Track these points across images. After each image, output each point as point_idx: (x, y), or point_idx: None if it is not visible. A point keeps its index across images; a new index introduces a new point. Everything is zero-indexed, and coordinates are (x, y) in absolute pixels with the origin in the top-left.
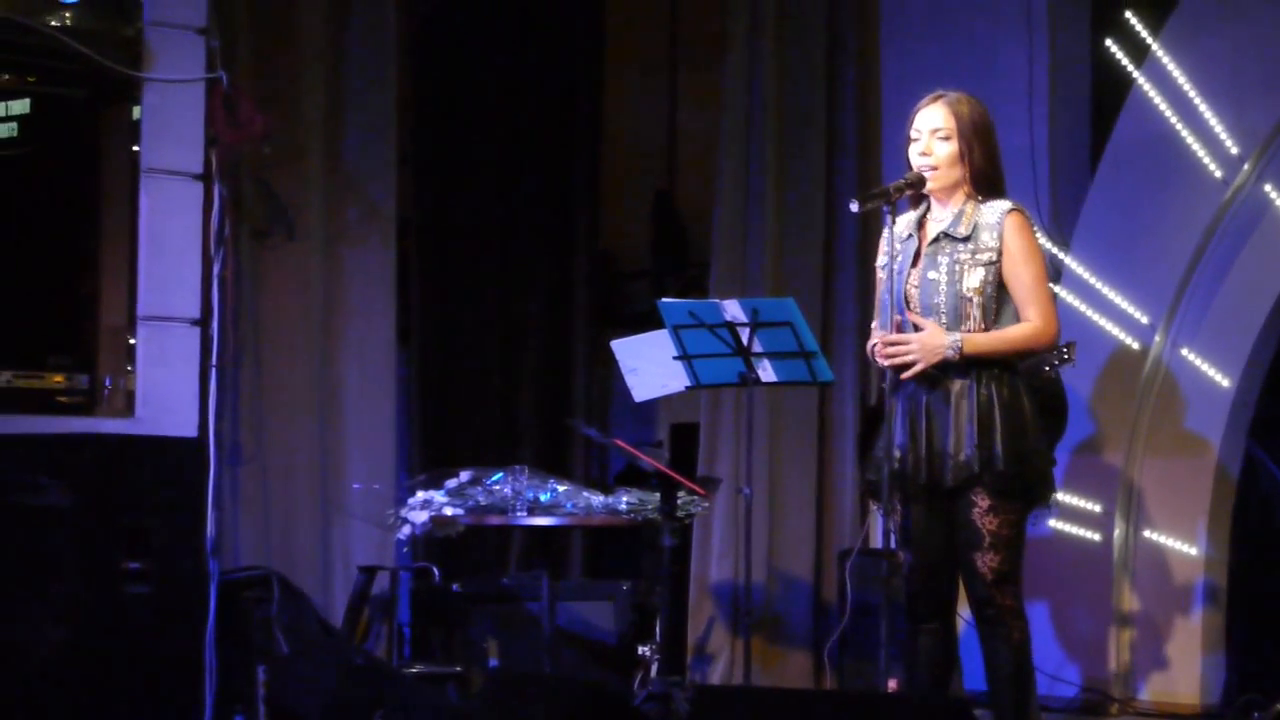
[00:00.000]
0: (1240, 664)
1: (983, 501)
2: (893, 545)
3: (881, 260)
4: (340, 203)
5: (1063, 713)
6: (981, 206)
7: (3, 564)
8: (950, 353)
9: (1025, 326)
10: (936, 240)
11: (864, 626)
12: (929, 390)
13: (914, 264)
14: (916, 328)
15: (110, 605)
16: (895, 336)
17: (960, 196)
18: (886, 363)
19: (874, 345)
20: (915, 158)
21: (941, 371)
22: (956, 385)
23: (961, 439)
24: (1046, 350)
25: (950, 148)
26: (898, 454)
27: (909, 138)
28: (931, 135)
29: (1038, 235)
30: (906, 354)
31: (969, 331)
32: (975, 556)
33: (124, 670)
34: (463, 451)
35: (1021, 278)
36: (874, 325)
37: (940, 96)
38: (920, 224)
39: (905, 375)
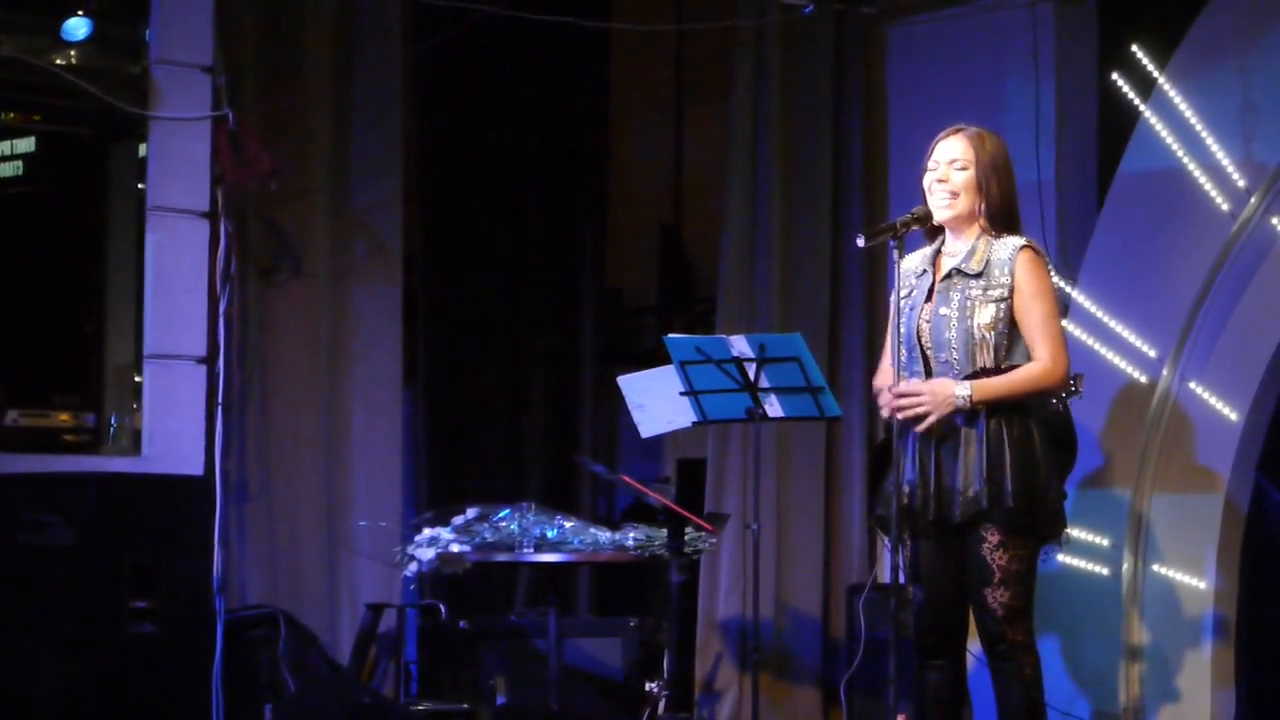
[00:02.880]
0: (1251, 697)
1: (993, 537)
2: (902, 580)
3: (894, 296)
4: (346, 239)
5: None
6: (994, 243)
7: (7, 603)
8: (961, 401)
9: (1035, 367)
10: (949, 276)
11: (874, 662)
12: (939, 425)
13: (928, 299)
14: (927, 362)
15: (116, 644)
16: (906, 388)
17: (974, 230)
18: (900, 416)
19: (881, 393)
20: (932, 185)
21: (951, 409)
22: (966, 421)
23: (970, 475)
24: (1057, 389)
25: (967, 176)
26: (907, 489)
27: (925, 168)
28: (949, 166)
29: (1051, 272)
30: (919, 407)
31: (981, 367)
32: (986, 592)
33: (129, 710)
34: (469, 488)
35: (1033, 315)
36: (883, 359)
37: (960, 130)
38: (935, 259)
39: (919, 429)
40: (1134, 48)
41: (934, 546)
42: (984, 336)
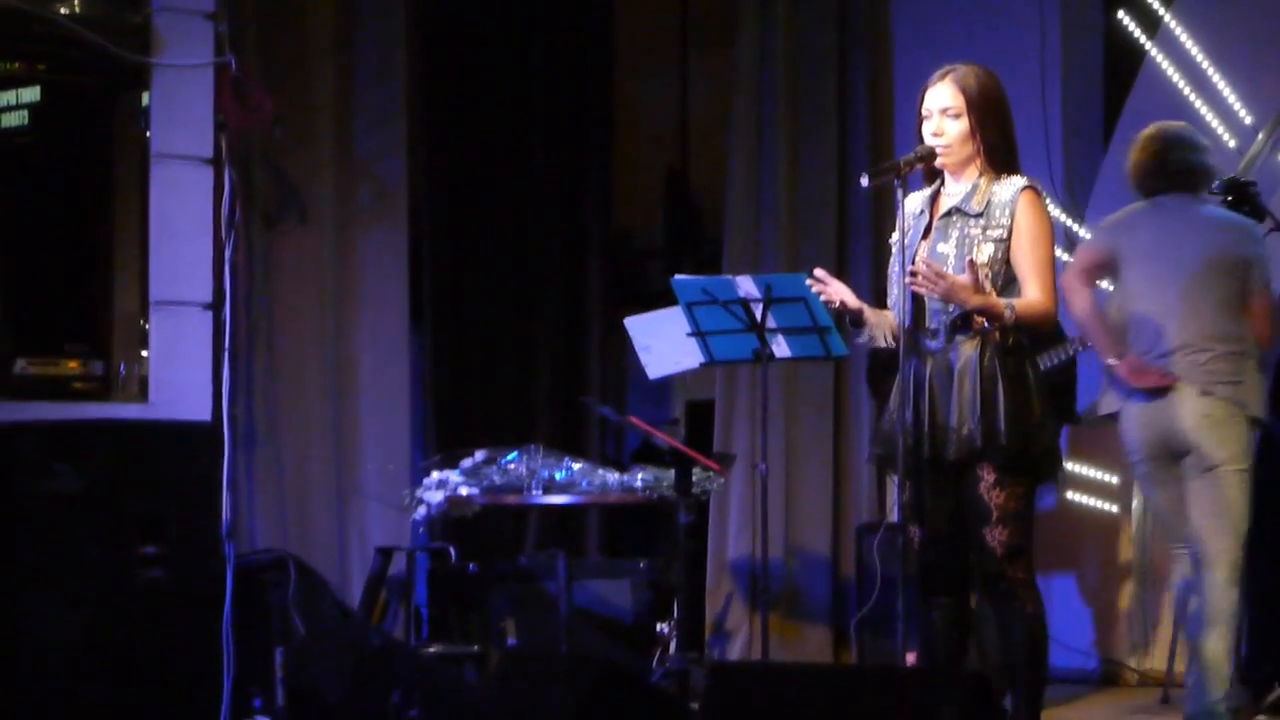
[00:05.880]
0: (1258, 634)
1: (989, 476)
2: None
3: (895, 235)
4: (351, 186)
5: (1082, 684)
6: (996, 184)
7: (18, 550)
8: (1009, 314)
9: (1035, 299)
10: (948, 215)
11: (884, 601)
12: (932, 363)
13: (924, 237)
14: (920, 299)
15: (127, 590)
16: (938, 267)
17: (974, 171)
18: (918, 279)
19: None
20: (928, 137)
21: (947, 342)
22: (960, 359)
23: (965, 412)
24: (1047, 327)
25: (961, 125)
26: (903, 428)
27: (920, 115)
28: (941, 114)
29: (1051, 212)
30: (936, 287)
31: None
32: (985, 531)
33: (141, 655)
34: (477, 431)
35: (1028, 254)
36: (889, 300)
37: (948, 72)
38: (934, 199)
39: (911, 285)
40: None
41: (932, 485)
42: (982, 274)
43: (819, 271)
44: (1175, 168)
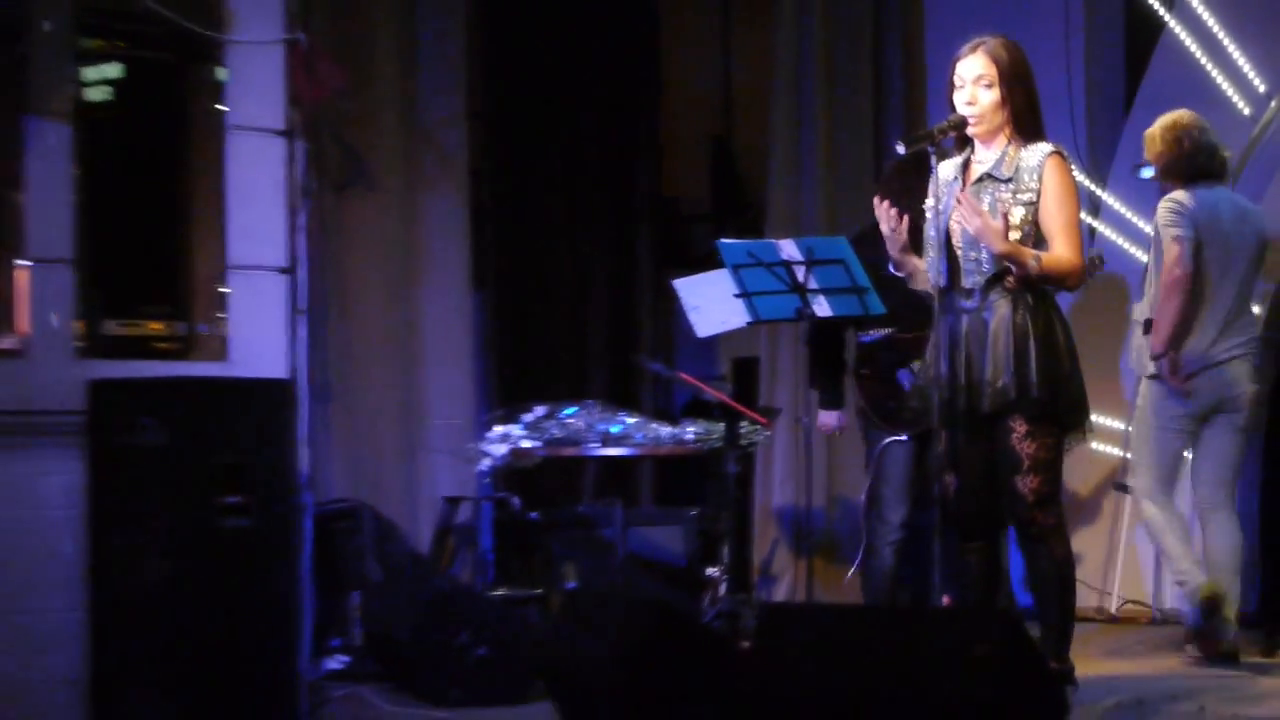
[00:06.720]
0: (1273, 574)
1: (1020, 427)
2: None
3: (930, 200)
4: (415, 155)
5: (1105, 623)
6: (1023, 150)
7: (108, 500)
8: (1033, 264)
9: (1062, 254)
10: (980, 180)
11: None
12: (968, 322)
13: (957, 203)
14: (955, 260)
15: (212, 537)
16: (977, 207)
17: (1003, 139)
18: (962, 211)
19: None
20: (961, 106)
21: (982, 301)
22: (994, 317)
23: (999, 367)
24: (1076, 281)
25: (993, 94)
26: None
27: (952, 84)
28: (974, 83)
29: (1075, 175)
30: (973, 220)
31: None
32: (1016, 479)
33: (225, 599)
34: (537, 387)
35: (1055, 215)
36: (925, 262)
37: (980, 44)
38: (965, 166)
39: (954, 210)
40: None
41: (967, 437)
42: (1012, 235)
43: (882, 203)
44: (1211, 156)
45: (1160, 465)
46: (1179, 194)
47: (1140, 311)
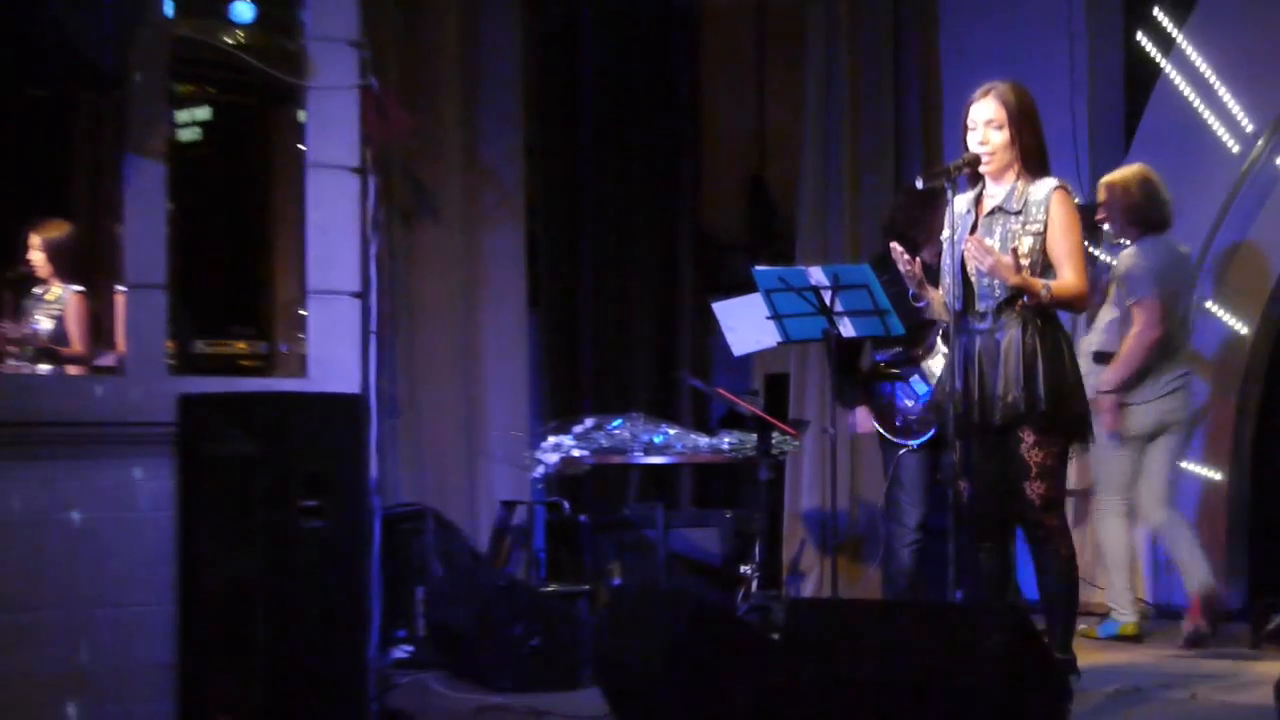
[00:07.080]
0: (1257, 569)
1: (1029, 437)
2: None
3: (946, 231)
4: (477, 190)
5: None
6: (1031, 185)
7: (198, 504)
8: (1044, 293)
9: (1068, 281)
10: (992, 214)
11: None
12: (980, 341)
13: (971, 233)
14: (970, 287)
15: (291, 538)
16: (987, 245)
17: (1012, 175)
18: (974, 252)
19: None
20: (974, 146)
21: (994, 323)
22: (1005, 338)
23: (1010, 383)
24: (1082, 306)
25: (1003, 135)
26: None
27: (966, 127)
28: (986, 125)
29: (1079, 206)
30: (985, 259)
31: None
32: (1025, 485)
33: (304, 593)
34: (586, 401)
35: (1061, 244)
36: (941, 288)
37: (991, 89)
38: (978, 200)
39: (966, 250)
40: (1155, 10)
41: (980, 446)
42: (1021, 263)
43: (895, 246)
44: (1164, 209)
45: (1120, 480)
46: (1143, 252)
47: (1089, 344)
